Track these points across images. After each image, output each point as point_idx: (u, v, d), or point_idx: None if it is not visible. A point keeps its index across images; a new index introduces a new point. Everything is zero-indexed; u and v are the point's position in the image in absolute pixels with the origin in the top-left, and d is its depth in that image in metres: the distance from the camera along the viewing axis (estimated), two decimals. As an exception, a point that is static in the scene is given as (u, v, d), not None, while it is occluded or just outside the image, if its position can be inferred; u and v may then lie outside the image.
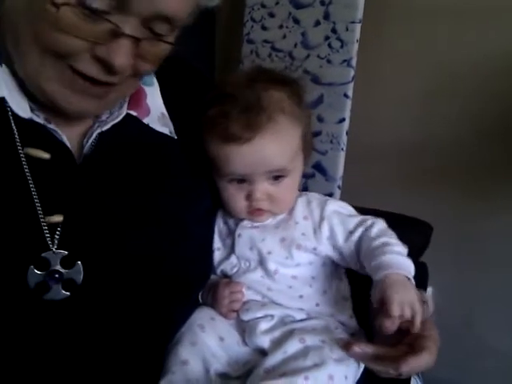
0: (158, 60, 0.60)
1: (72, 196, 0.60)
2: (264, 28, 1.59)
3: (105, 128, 0.64)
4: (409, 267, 0.64)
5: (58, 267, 0.58)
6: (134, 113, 0.68)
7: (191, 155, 0.72)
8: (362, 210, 0.75)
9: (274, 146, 0.67)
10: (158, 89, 0.72)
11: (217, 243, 0.74)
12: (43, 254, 0.57)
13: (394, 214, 1.01)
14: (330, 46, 1.47)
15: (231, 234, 0.73)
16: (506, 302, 1.45)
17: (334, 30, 1.46)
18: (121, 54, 0.53)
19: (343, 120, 1.46)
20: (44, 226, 0.58)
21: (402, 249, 0.67)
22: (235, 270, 0.72)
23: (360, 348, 0.61)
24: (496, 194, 1.45)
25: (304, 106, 0.73)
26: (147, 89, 0.70)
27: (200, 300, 0.73)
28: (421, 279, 1.12)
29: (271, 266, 0.70)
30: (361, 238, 0.69)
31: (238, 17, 1.66)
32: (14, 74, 0.58)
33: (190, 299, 0.71)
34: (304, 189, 0.82)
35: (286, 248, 0.70)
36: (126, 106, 0.67)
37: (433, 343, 0.60)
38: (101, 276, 0.60)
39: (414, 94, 1.57)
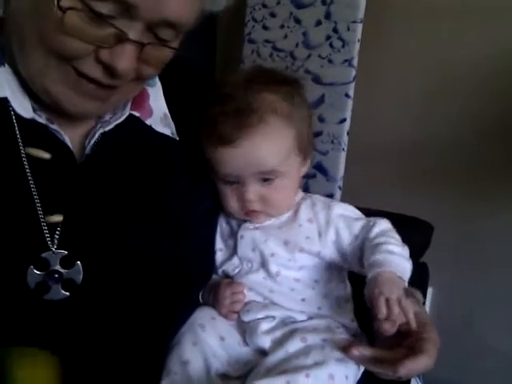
0: (162, 64, 0.61)
1: (72, 196, 0.60)
2: (265, 28, 1.59)
3: (107, 128, 0.64)
4: (401, 266, 0.64)
5: (58, 267, 0.58)
6: (136, 113, 0.68)
7: (193, 156, 0.72)
8: (362, 210, 0.75)
9: (263, 148, 0.67)
10: (161, 90, 0.72)
11: (219, 244, 0.74)
12: (43, 255, 0.57)
13: (395, 214, 1.00)
14: (331, 45, 1.47)
15: (233, 235, 0.73)
16: (506, 302, 1.45)
17: (335, 30, 1.46)
18: (124, 59, 0.54)
19: (344, 120, 1.46)
20: (44, 225, 0.58)
21: (400, 249, 0.66)
22: (237, 270, 0.72)
23: (358, 351, 0.61)
24: (496, 194, 1.45)
25: (302, 106, 0.72)
26: (150, 90, 0.71)
27: (201, 300, 0.73)
28: (421, 279, 1.12)
29: (273, 267, 0.69)
30: (363, 240, 0.69)
31: (240, 17, 1.66)
32: (17, 73, 0.59)
33: (190, 299, 0.71)
34: (305, 189, 0.82)
35: (290, 251, 0.70)
36: (129, 106, 0.67)
37: (432, 345, 0.60)
38: (100, 276, 0.60)
39: (414, 94, 1.57)
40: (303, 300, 0.69)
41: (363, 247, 0.68)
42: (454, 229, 1.48)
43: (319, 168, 1.48)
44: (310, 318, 0.68)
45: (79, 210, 0.60)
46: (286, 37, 1.55)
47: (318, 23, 1.49)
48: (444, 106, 1.52)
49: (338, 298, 0.71)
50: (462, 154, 1.50)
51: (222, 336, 0.67)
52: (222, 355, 0.65)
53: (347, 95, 1.45)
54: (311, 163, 0.78)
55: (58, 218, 0.59)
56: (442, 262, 1.38)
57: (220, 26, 1.71)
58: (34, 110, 0.60)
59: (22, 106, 0.59)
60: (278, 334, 0.66)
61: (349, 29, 1.44)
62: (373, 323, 0.61)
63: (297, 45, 1.53)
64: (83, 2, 0.51)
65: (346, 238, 0.70)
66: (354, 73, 1.45)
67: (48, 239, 0.58)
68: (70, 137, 0.62)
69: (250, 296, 0.70)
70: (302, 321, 0.68)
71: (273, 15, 1.57)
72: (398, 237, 0.70)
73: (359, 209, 0.75)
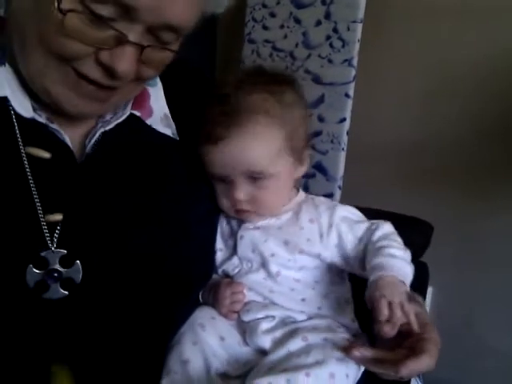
0: (162, 66, 0.61)
1: (72, 195, 0.60)
2: (265, 28, 1.59)
3: (108, 127, 0.64)
4: (403, 270, 0.64)
5: (57, 266, 0.58)
6: (137, 113, 0.68)
7: (193, 156, 0.72)
8: (362, 210, 0.75)
9: (251, 148, 0.67)
10: (162, 90, 0.72)
11: (219, 244, 0.74)
12: (42, 253, 0.57)
13: (395, 214, 1.01)
14: (331, 45, 1.47)
15: (233, 234, 0.73)
16: (506, 302, 1.45)
17: (335, 30, 1.46)
18: (124, 61, 0.54)
19: (344, 120, 1.46)
20: (43, 224, 0.58)
21: (402, 252, 0.66)
22: (237, 270, 0.72)
23: (359, 351, 0.61)
24: (496, 194, 1.45)
25: (295, 106, 0.71)
26: (151, 90, 0.71)
27: (200, 299, 0.73)
28: (421, 279, 1.12)
29: (273, 267, 0.69)
30: (366, 243, 0.69)
31: (240, 17, 1.66)
32: (18, 73, 0.59)
33: (190, 298, 0.71)
34: (305, 189, 0.82)
35: (290, 251, 0.70)
36: (130, 105, 0.67)
37: (433, 346, 0.60)
38: (100, 275, 0.60)
39: (414, 94, 1.57)
40: (303, 300, 0.69)
41: (365, 250, 0.68)
42: (454, 229, 1.48)
43: (319, 168, 1.48)
44: (310, 318, 0.68)
45: (79, 210, 0.60)
46: (285, 37, 1.55)
47: (318, 23, 1.49)
48: (444, 106, 1.52)
49: (339, 299, 0.71)
50: (462, 154, 1.50)
51: (221, 336, 0.67)
52: (221, 355, 0.65)
53: (347, 95, 1.45)
54: (310, 163, 0.77)
55: (57, 217, 0.59)
56: (442, 262, 1.38)
57: (220, 26, 1.71)
58: (34, 110, 0.60)
59: (22, 106, 0.59)
60: (278, 333, 0.66)
61: (349, 29, 1.44)
62: (373, 325, 0.61)
63: (297, 45, 1.53)
64: (84, 4, 0.51)
65: (349, 242, 0.70)
66: (353, 73, 1.45)
67: (47, 238, 0.58)
68: (70, 136, 0.62)
69: (249, 296, 0.70)
70: (301, 321, 0.68)
71: (273, 15, 1.57)
72: (400, 240, 0.70)
73: (359, 209, 0.75)
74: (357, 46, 1.44)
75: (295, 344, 0.63)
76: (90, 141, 0.63)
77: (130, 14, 0.52)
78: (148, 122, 0.69)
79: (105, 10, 0.51)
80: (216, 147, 0.68)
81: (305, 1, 1.51)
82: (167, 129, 0.71)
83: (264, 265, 0.70)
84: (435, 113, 1.54)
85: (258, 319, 0.67)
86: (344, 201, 1.37)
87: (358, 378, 0.64)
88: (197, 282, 0.72)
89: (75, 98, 0.57)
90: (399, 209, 1.12)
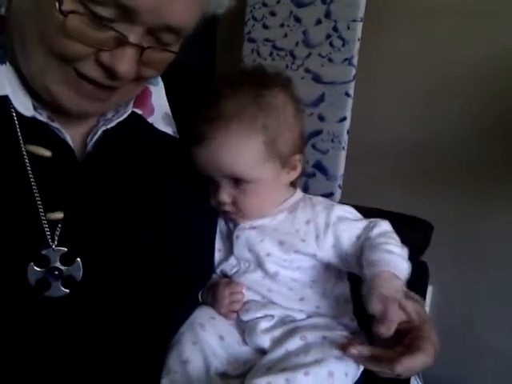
0: (162, 66, 0.61)
1: (72, 193, 0.60)
2: (265, 27, 1.59)
3: (110, 125, 0.64)
4: (400, 266, 0.64)
5: (58, 264, 0.58)
6: (139, 111, 0.68)
7: None
8: (362, 209, 0.75)
9: (225, 153, 0.67)
10: (163, 89, 0.73)
11: (218, 244, 0.74)
12: (43, 251, 0.57)
13: (395, 213, 1.01)
14: (331, 44, 1.47)
15: (230, 235, 0.73)
16: (506, 302, 1.45)
17: (335, 29, 1.46)
18: (124, 61, 0.54)
19: (344, 119, 1.46)
20: (44, 222, 0.58)
21: (399, 249, 0.66)
22: (235, 270, 0.72)
23: (356, 350, 0.61)
24: (496, 194, 1.45)
25: (279, 111, 0.69)
26: (152, 88, 0.71)
27: (200, 299, 0.73)
28: (421, 278, 1.12)
29: (271, 267, 0.69)
30: (364, 241, 0.69)
31: (239, 15, 1.66)
32: (18, 72, 0.59)
33: (190, 297, 0.71)
34: (305, 188, 0.82)
35: (285, 251, 0.69)
36: (131, 103, 0.67)
37: (430, 344, 0.60)
38: (100, 273, 0.60)
39: (414, 94, 1.58)
40: (301, 299, 0.69)
41: (363, 247, 0.68)
42: (454, 228, 1.48)
43: (319, 167, 1.48)
44: (309, 317, 0.68)
45: (80, 208, 0.60)
46: (286, 36, 1.55)
47: (318, 22, 1.49)
48: (444, 106, 1.52)
49: (337, 298, 0.71)
50: (462, 154, 1.50)
51: (221, 335, 0.67)
52: (221, 354, 0.65)
53: (347, 94, 1.45)
54: (304, 167, 0.76)
55: (58, 215, 0.59)
56: (442, 262, 1.38)
57: (220, 25, 1.71)
58: (35, 108, 0.60)
59: (23, 104, 0.60)
60: (277, 332, 0.66)
61: (349, 28, 1.44)
62: (371, 324, 0.61)
63: (297, 44, 1.53)
64: (85, 5, 0.51)
65: (346, 241, 0.69)
66: (354, 72, 1.45)
67: (48, 236, 0.58)
68: (71, 135, 0.62)
69: (248, 295, 0.70)
70: (300, 319, 0.68)
71: (273, 14, 1.57)
72: (397, 238, 0.69)
73: (359, 208, 0.75)
74: (357, 44, 1.44)
75: (294, 343, 0.63)
76: (91, 139, 0.64)
77: (131, 16, 0.52)
78: (149, 120, 0.69)
79: (105, 12, 0.52)
80: (199, 148, 0.68)
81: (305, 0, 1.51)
82: (168, 127, 0.71)
83: (260, 264, 0.70)
84: (435, 113, 1.54)
85: (257, 318, 0.67)
86: (344, 200, 1.38)
87: (357, 377, 0.64)
88: (197, 280, 0.72)
89: (75, 97, 0.57)
90: (399, 208, 1.11)
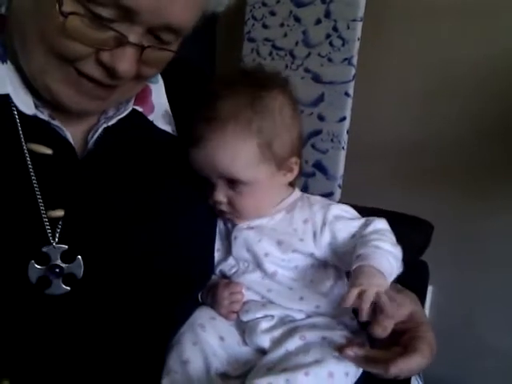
0: (162, 65, 0.61)
1: (73, 191, 0.60)
2: (265, 26, 1.59)
3: (111, 123, 0.64)
4: (386, 262, 0.63)
5: (59, 262, 0.58)
6: (139, 109, 0.68)
7: None
8: (362, 209, 0.75)
9: (219, 155, 0.67)
10: (163, 87, 0.73)
11: (216, 244, 0.74)
12: (43, 249, 0.57)
13: (395, 213, 1.01)
14: (331, 44, 1.47)
15: (229, 235, 0.73)
16: (506, 302, 1.45)
17: (335, 28, 1.46)
18: (125, 61, 0.54)
19: (344, 119, 1.46)
20: (45, 220, 0.58)
21: (389, 246, 0.66)
22: (234, 270, 0.72)
23: (353, 351, 0.61)
24: (496, 194, 1.45)
25: (274, 113, 0.69)
26: (153, 86, 0.71)
27: (200, 300, 0.73)
28: (421, 278, 1.12)
29: (270, 267, 0.69)
30: (357, 238, 0.69)
31: (239, 15, 1.66)
32: (19, 70, 0.59)
33: (191, 297, 0.71)
34: (304, 187, 0.82)
35: (283, 251, 0.69)
36: (132, 101, 0.67)
37: (426, 345, 0.60)
38: (101, 271, 0.60)
39: (414, 94, 1.57)
40: (301, 299, 0.69)
41: (356, 244, 0.68)
42: (454, 228, 1.48)
43: (319, 167, 1.47)
44: (309, 317, 0.68)
45: (80, 205, 0.60)
46: (285, 35, 1.55)
47: (318, 22, 1.49)
48: (444, 106, 1.52)
49: (337, 297, 0.70)
50: (462, 154, 1.50)
51: (221, 336, 0.67)
52: (221, 355, 0.65)
53: (347, 94, 1.45)
54: (302, 169, 0.75)
55: (59, 212, 0.59)
56: (442, 262, 1.38)
57: (220, 25, 1.71)
58: (36, 107, 0.60)
59: (24, 103, 0.60)
60: (277, 332, 0.66)
61: (349, 27, 1.44)
62: (368, 324, 0.61)
63: (296, 43, 1.53)
64: (85, 6, 0.51)
65: (343, 239, 0.69)
66: (353, 71, 1.45)
67: (49, 234, 0.58)
68: (72, 133, 0.62)
69: (248, 295, 0.70)
70: (300, 319, 0.68)
71: (272, 14, 1.57)
72: (392, 236, 0.69)
73: (359, 207, 0.75)
74: (357, 44, 1.44)
75: (293, 343, 0.63)
76: (92, 136, 0.64)
77: (131, 16, 0.52)
78: (150, 117, 0.69)
79: (106, 12, 0.52)
80: (196, 148, 0.68)
81: (305, -1, 1.51)
82: (168, 126, 0.71)
83: (259, 265, 0.70)
84: (435, 113, 1.54)
85: (257, 319, 0.67)
86: (344, 200, 1.37)
87: (357, 377, 0.64)
88: (197, 280, 0.72)
89: (76, 95, 0.58)
90: (399, 208, 1.12)
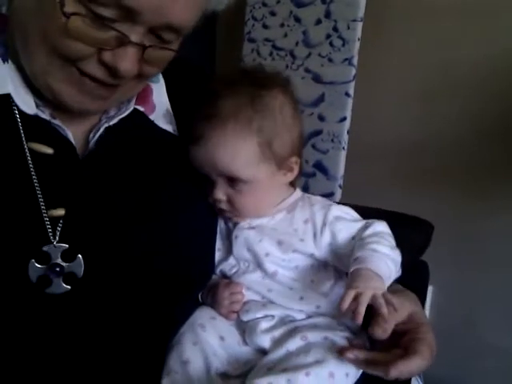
0: (163, 64, 0.61)
1: (74, 190, 0.60)
2: (265, 26, 1.59)
3: (112, 122, 0.65)
4: (383, 265, 0.63)
5: (59, 261, 0.58)
6: (141, 108, 0.68)
7: None
8: (363, 209, 0.75)
9: (219, 153, 0.67)
10: (164, 86, 0.73)
11: (217, 243, 0.74)
12: (44, 248, 0.57)
13: (395, 213, 1.01)
14: (331, 44, 1.47)
15: (230, 234, 0.73)
16: (506, 302, 1.45)
17: (335, 29, 1.46)
18: (126, 60, 0.55)
19: (344, 119, 1.46)
20: (46, 219, 0.58)
21: (387, 249, 0.66)
22: (234, 270, 0.72)
23: (353, 354, 0.61)
24: (496, 194, 1.45)
25: (275, 112, 0.69)
26: (154, 85, 0.71)
27: (200, 300, 0.73)
28: (422, 278, 1.12)
29: (270, 267, 0.69)
30: (356, 241, 0.69)
31: (239, 15, 1.66)
32: (21, 70, 0.59)
33: (191, 297, 0.71)
34: (305, 188, 0.82)
35: (283, 251, 0.69)
36: (133, 100, 0.67)
37: (426, 347, 0.60)
38: (102, 270, 0.60)
39: (414, 94, 1.57)
40: (301, 299, 0.69)
41: (355, 247, 0.68)
42: (454, 228, 1.48)
43: (319, 167, 1.48)
44: (310, 317, 0.68)
45: (81, 205, 0.60)
46: (285, 35, 1.55)
47: (318, 22, 1.49)
48: (444, 106, 1.52)
49: (338, 297, 0.70)
50: (462, 154, 1.50)
51: (222, 336, 0.67)
52: (221, 355, 0.65)
53: (347, 94, 1.45)
54: (302, 168, 0.75)
55: (59, 212, 0.59)
56: (442, 262, 1.38)
57: (220, 25, 1.71)
58: (37, 106, 0.60)
59: (25, 102, 0.60)
60: (278, 332, 0.66)
61: (349, 27, 1.44)
62: (369, 326, 0.61)
63: (297, 43, 1.53)
64: (87, 7, 0.51)
65: (342, 240, 0.69)
66: (354, 71, 1.45)
67: (50, 233, 0.58)
68: (73, 132, 0.62)
69: (248, 295, 0.70)
70: (301, 319, 0.68)
71: (273, 14, 1.57)
72: (391, 239, 0.69)
73: (359, 207, 0.75)
74: (357, 44, 1.44)
75: (294, 343, 0.63)
76: (93, 136, 0.64)
77: (133, 16, 0.53)
78: (151, 117, 0.69)
79: (107, 12, 0.52)
80: (196, 146, 0.68)
81: (305, -1, 1.52)
82: (168, 125, 0.71)
83: (259, 264, 0.70)
84: (435, 113, 1.54)
85: (258, 319, 0.67)
86: (344, 200, 1.37)
87: (357, 377, 0.64)
88: (197, 280, 0.71)
89: (78, 94, 0.58)
90: (399, 208, 1.12)
